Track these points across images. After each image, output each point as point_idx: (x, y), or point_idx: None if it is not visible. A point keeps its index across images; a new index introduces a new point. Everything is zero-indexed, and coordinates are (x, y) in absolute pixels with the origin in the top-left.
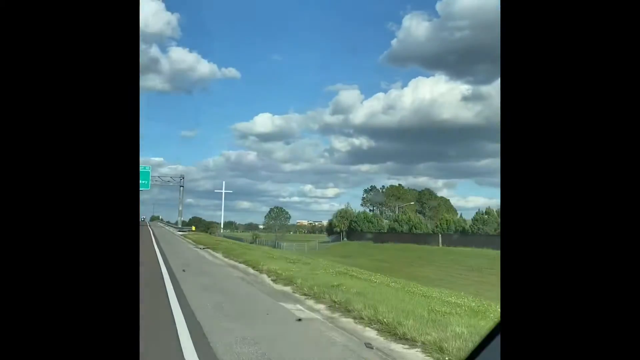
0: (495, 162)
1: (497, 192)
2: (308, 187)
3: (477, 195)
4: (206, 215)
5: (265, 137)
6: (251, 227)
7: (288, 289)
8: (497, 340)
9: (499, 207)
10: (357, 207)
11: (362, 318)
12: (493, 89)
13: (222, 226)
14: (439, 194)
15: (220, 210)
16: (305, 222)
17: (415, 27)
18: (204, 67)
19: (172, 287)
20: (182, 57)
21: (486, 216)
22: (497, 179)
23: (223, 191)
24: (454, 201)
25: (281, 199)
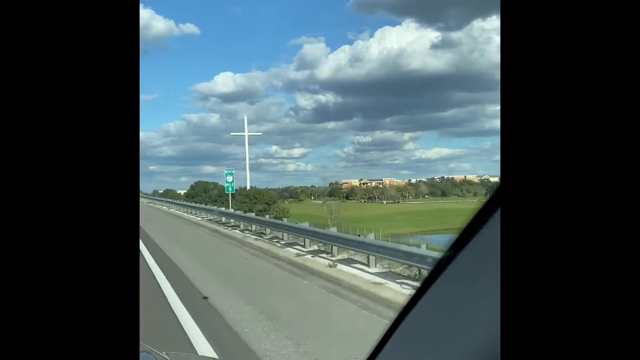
0: (461, 112)
1: (461, 142)
2: (274, 148)
3: (441, 147)
4: (170, 184)
5: (227, 98)
6: (285, 193)
7: None
8: (497, 215)
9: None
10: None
11: None
12: (464, 35)
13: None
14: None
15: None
16: (355, 182)
17: None
18: (160, 24)
19: None
20: None
21: None
22: (462, 129)
23: (246, 134)
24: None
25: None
